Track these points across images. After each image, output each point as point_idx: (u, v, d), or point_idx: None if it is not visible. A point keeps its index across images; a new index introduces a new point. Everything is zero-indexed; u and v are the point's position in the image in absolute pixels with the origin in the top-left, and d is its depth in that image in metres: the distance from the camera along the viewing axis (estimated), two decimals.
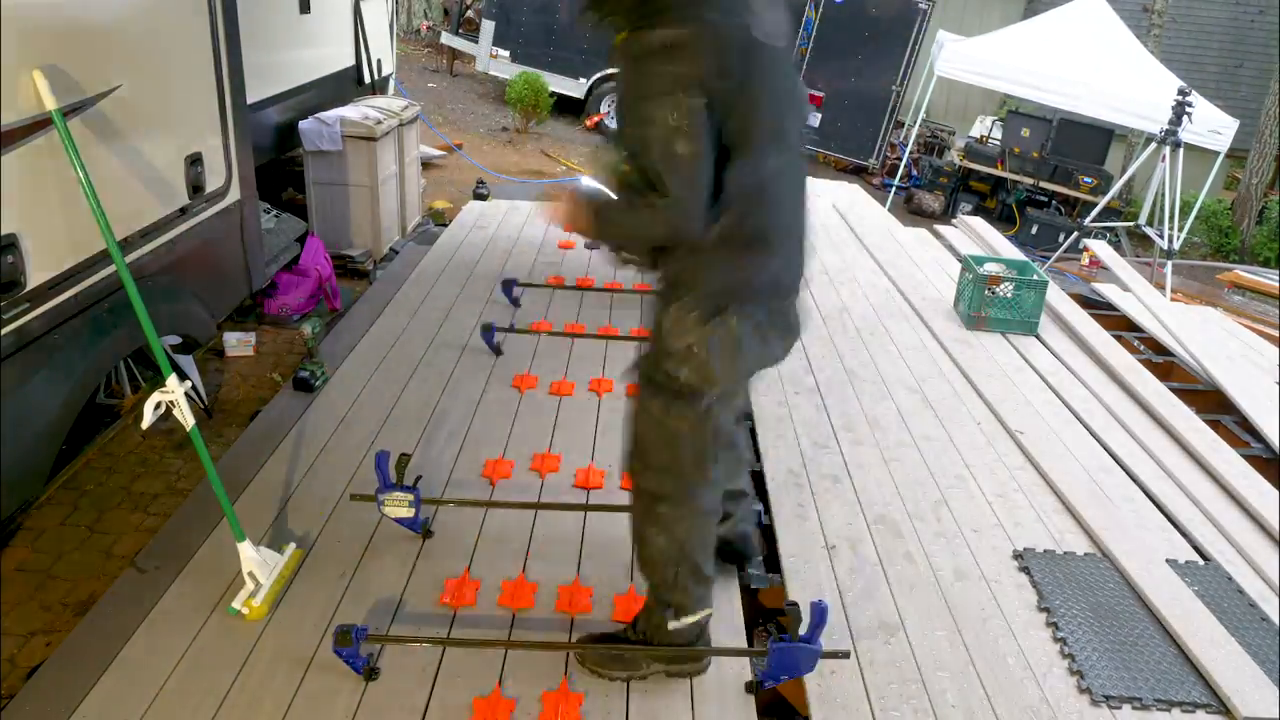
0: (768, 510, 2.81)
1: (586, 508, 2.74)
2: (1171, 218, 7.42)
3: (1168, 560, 2.71)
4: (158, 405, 2.07)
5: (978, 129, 11.30)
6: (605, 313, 4.25)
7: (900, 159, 10.48)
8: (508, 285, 4.16)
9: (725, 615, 2.33)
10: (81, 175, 2.14)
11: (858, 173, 10.97)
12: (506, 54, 10.87)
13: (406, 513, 2.44)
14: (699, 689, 2.11)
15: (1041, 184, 10.16)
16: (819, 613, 1.99)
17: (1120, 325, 4.92)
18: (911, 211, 10.30)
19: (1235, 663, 2.30)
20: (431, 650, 2.14)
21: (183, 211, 2.95)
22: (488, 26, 10.92)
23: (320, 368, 3.40)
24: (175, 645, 2.11)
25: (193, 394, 3.39)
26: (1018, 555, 2.71)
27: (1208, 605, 2.50)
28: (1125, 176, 8.99)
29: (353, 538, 2.54)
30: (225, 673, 2.05)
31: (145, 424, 2.06)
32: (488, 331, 3.73)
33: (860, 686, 2.16)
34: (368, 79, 5.93)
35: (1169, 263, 7.43)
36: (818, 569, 2.57)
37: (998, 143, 10.71)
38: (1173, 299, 6.63)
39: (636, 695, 2.07)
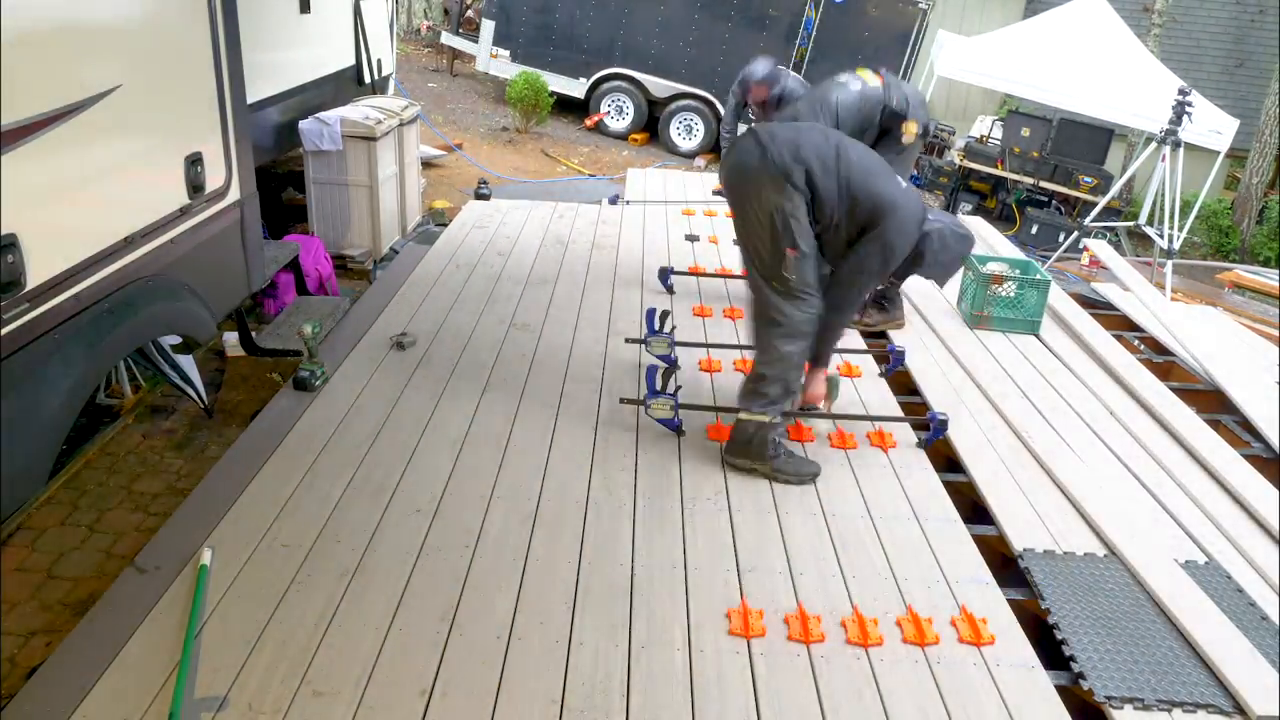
0: None
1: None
2: (1171, 217, 7.43)
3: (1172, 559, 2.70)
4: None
5: (978, 129, 11.29)
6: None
7: None
8: (663, 274, 4.55)
9: None
10: None
11: None
12: (506, 54, 10.88)
13: (668, 414, 3.09)
14: None
15: (1041, 184, 10.16)
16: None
17: (1120, 325, 4.92)
18: None
19: (1247, 662, 2.29)
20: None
21: (182, 211, 2.94)
22: (488, 26, 10.93)
23: (320, 368, 3.40)
24: (175, 645, 2.11)
25: (193, 394, 3.41)
26: (1018, 555, 2.71)
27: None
28: (1125, 176, 9.00)
29: (352, 538, 2.54)
30: (225, 673, 2.05)
31: None
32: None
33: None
34: (368, 79, 5.93)
35: (1169, 263, 7.43)
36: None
37: (998, 143, 10.70)
38: (1173, 299, 6.63)
39: None
